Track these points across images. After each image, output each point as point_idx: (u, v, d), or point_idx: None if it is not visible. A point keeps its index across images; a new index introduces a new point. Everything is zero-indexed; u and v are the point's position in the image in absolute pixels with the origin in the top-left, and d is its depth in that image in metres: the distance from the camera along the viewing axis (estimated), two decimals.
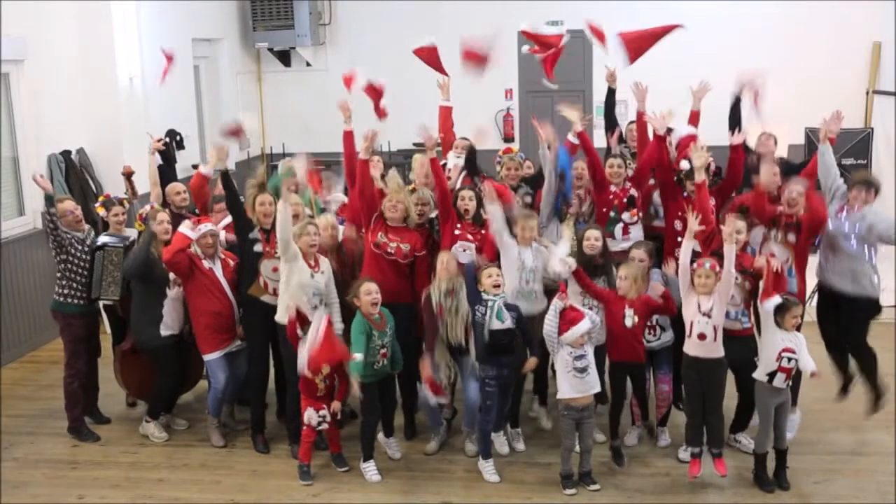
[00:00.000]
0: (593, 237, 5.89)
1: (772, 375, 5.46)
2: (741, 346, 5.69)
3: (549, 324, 5.46)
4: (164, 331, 6.23)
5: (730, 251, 5.37)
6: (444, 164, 6.60)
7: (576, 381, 5.47)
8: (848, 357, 6.24)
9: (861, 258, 5.93)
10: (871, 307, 6.02)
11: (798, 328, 5.52)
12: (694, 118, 6.67)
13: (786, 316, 5.40)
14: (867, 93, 11.17)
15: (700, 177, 5.89)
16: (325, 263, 6.00)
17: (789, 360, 5.43)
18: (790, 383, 5.50)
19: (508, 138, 12.15)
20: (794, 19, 11.34)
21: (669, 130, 6.40)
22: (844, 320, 6.07)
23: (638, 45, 6.49)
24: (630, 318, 5.63)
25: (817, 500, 5.47)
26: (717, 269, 5.41)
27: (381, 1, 12.13)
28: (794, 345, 5.41)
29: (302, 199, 6.52)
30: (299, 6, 11.87)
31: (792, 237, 5.88)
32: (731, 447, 6.06)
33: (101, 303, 6.72)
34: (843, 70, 11.23)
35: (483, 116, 11.98)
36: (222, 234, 6.42)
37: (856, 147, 10.46)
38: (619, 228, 6.35)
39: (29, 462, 6.22)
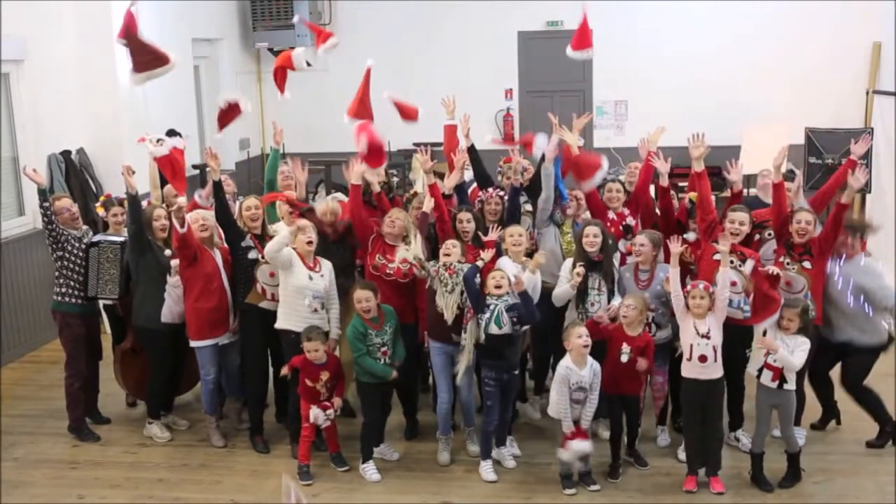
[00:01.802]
0: (592, 234, 5.88)
1: (760, 371, 5.48)
2: (738, 337, 5.69)
3: (558, 400, 5.48)
4: (165, 317, 6.20)
5: (724, 274, 5.39)
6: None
7: (570, 407, 5.49)
8: (832, 390, 6.20)
9: (861, 312, 5.86)
10: (878, 349, 5.98)
11: (800, 331, 5.47)
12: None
13: (781, 311, 5.44)
14: (867, 93, 11.15)
15: (700, 166, 5.94)
16: (325, 266, 6.00)
17: (775, 359, 5.43)
18: (785, 386, 5.47)
19: (508, 138, 12.15)
20: (794, 19, 11.36)
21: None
22: (846, 361, 6.02)
23: (583, 165, 6.40)
24: (626, 355, 5.58)
25: (817, 500, 5.48)
26: (711, 289, 5.40)
27: (382, 1, 12.13)
28: (783, 346, 5.40)
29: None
30: (299, 6, 11.86)
31: (807, 264, 5.83)
32: (731, 446, 6.07)
33: (101, 303, 6.73)
34: (843, 70, 11.24)
35: (483, 116, 12.00)
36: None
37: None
38: (615, 258, 6.23)
39: (29, 462, 6.21)
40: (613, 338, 5.64)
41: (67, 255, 6.30)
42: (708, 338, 5.40)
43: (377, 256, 6.08)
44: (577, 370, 5.45)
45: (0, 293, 7.94)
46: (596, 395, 5.54)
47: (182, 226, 5.84)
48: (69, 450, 6.39)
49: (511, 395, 5.87)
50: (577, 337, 5.45)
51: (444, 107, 6.87)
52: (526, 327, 5.91)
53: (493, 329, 5.54)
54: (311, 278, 5.86)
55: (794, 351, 5.39)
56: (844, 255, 5.90)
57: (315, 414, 5.75)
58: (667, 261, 5.76)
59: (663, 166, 6.22)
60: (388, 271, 6.05)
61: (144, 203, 6.56)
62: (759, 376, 5.52)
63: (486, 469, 5.78)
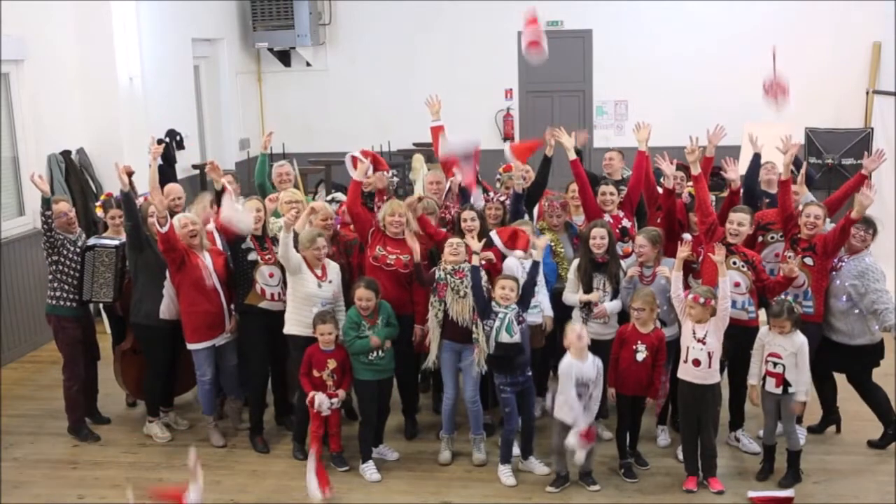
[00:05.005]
0: (599, 236, 5.88)
1: (764, 379, 5.52)
2: (743, 338, 5.68)
3: (566, 399, 5.46)
4: (163, 314, 6.20)
5: (723, 284, 5.40)
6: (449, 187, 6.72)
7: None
8: (835, 393, 6.21)
9: (852, 312, 5.86)
10: (873, 353, 5.98)
11: (794, 326, 5.46)
12: (707, 164, 6.46)
13: (769, 321, 5.47)
14: (867, 93, 11.17)
15: (696, 169, 5.98)
16: (332, 271, 6.01)
17: (775, 364, 5.44)
18: (790, 389, 5.46)
19: (508, 138, 12.15)
20: (795, 19, 11.36)
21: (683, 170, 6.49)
22: (847, 370, 6.05)
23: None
24: (641, 353, 5.58)
25: (817, 500, 5.47)
26: (702, 300, 5.38)
27: (381, 1, 12.13)
28: (781, 349, 5.43)
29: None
30: (299, 6, 11.88)
31: (809, 260, 5.84)
32: (731, 446, 6.08)
33: (100, 303, 6.72)
34: (843, 70, 11.24)
35: (483, 116, 12.00)
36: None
37: (856, 147, 10.47)
38: None
39: (29, 462, 6.21)
40: (627, 338, 5.64)
41: (63, 260, 6.29)
42: (703, 343, 5.40)
43: (377, 248, 6.09)
44: (578, 364, 5.45)
45: (0, 293, 7.94)
46: (599, 391, 5.53)
47: (163, 225, 5.82)
48: (69, 450, 6.39)
49: (530, 398, 5.81)
50: (571, 332, 5.46)
51: (428, 108, 6.84)
52: (536, 319, 5.93)
53: (504, 337, 5.53)
54: (319, 286, 5.89)
55: (799, 355, 5.41)
56: (853, 248, 5.89)
57: (319, 400, 5.74)
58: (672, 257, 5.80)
59: (668, 168, 6.22)
60: (388, 262, 6.05)
61: (141, 199, 6.57)
62: (763, 385, 5.54)
63: (506, 473, 5.74)
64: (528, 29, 6.94)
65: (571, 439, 5.36)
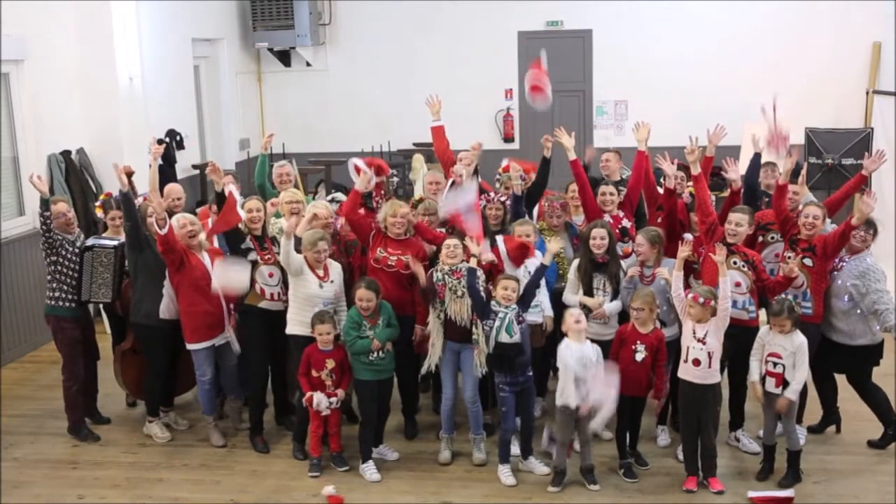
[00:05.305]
0: (599, 236, 5.87)
1: (764, 379, 5.52)
2: (743, 338, 5.68)
3: (567, 378, 5.45)
4: (163, 314, 6.20)
5: (724, 284, 5.39)
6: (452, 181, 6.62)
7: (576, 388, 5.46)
8: (836, 394, 6.21)
9: (853, 312, 5.86)
10: (873, 353, 5.97)
11: (794, 325, 5.47)
12: (707, 164, 6.49)
13: (770, 320, 5.47)
14: (867, 93, 11.17)
15: (696, 169, 6.00)
16: (334, 271, 6.01)
17: (775, 364, 5.45)
18: (786, 391, 5.47)
19: (508, 138, 12.16)
20: (795, 19, 11.36)
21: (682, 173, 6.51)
22: (847, 369, 6.06)
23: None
24: (641, 353, 5.56)
25: (817, 500, 5.47)
26: (701, 300, 5.38)
27: (381, 1, 12.14)
28: (781, 349, 5.43)
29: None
30: (299, 6, 11.88)
31: (808, 261, 5.83)
32: (731, 446, 6.08)
33: (100, 304, 6.72)
34: (843, 70, 11.25)
35: (483, 116, 12.00)
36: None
37: (856, 147, 10.46)
38: None
39: (29, 462, 6.22)
40: (626, 338, 5.63)
41: (62, 260, 6.29)
42: (703, 343, 5.40)
43: (378, 250, 6.09)
44: (577, 345, 5.45)
45: (0, 293, 7.94)
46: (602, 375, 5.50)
47: (161, 228, 5.82)
48: (69, 450, 6.39)
49: (529, 399, 5.80)
50: (570, 316, 5.48)
51: (428, 108, 6.82)
52: (536, 318, 5.92)
53: (504, 338, 5.52)
54: (321, 287, 5.89)
55: (798, 355, 5.42)
56: (854, 248, 5.89)
57: (318, 399, 5.74)
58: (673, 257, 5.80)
59: (669, 168, 6.23)
60: (389, 263, 6.05)
61: (141, 200, 6.56)
62: (763, 384, 5.54)
63: (505, 473, 5.73)
64: (531, 73, 6.81)
65: (598, 420, 5.37)
